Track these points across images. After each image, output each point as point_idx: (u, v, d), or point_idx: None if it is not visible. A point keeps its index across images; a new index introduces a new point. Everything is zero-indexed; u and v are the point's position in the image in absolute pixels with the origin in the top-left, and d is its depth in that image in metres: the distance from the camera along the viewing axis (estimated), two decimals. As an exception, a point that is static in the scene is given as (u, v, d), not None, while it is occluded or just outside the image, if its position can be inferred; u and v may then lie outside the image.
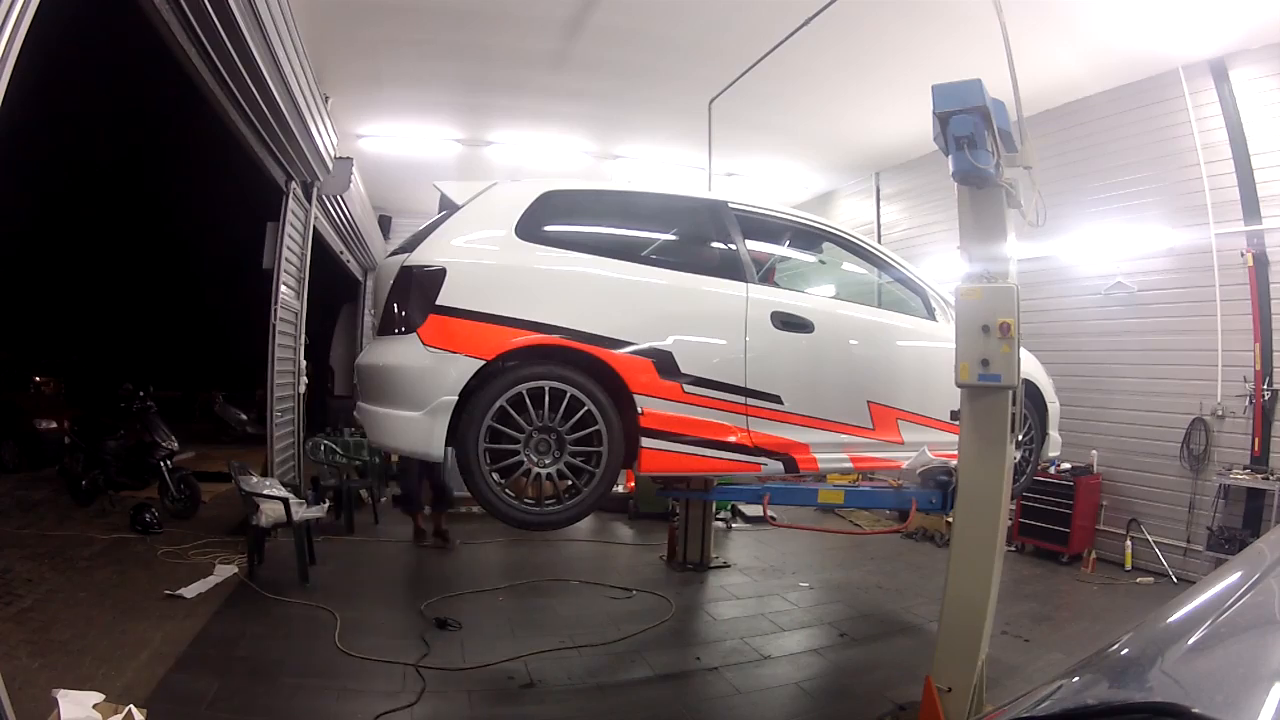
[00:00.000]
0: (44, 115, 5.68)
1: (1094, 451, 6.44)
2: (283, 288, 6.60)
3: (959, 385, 3.02)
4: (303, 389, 7.42)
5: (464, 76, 6.82)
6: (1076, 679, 0.94)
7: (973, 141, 2.78)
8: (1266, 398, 5.46)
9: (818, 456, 3.38)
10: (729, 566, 6.19)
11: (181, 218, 10.70)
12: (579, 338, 2.99)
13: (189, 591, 4.73)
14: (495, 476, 2.99)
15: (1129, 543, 6.16)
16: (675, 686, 3.94)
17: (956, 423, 3.29)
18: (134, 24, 3.68)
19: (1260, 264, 5.52)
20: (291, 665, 3.88)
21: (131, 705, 2.83)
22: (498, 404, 2.91)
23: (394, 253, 3.32)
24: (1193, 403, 5.84)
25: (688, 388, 3.12)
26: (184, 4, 3.59)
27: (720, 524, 7.42)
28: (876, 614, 5.18)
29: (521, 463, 2.97)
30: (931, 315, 3.87)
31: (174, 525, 6.35)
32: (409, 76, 6.83)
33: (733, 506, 7.63)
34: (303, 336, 7.32)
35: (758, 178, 9.32)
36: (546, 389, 2.94)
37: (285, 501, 5.30)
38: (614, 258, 3.24)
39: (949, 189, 3.18)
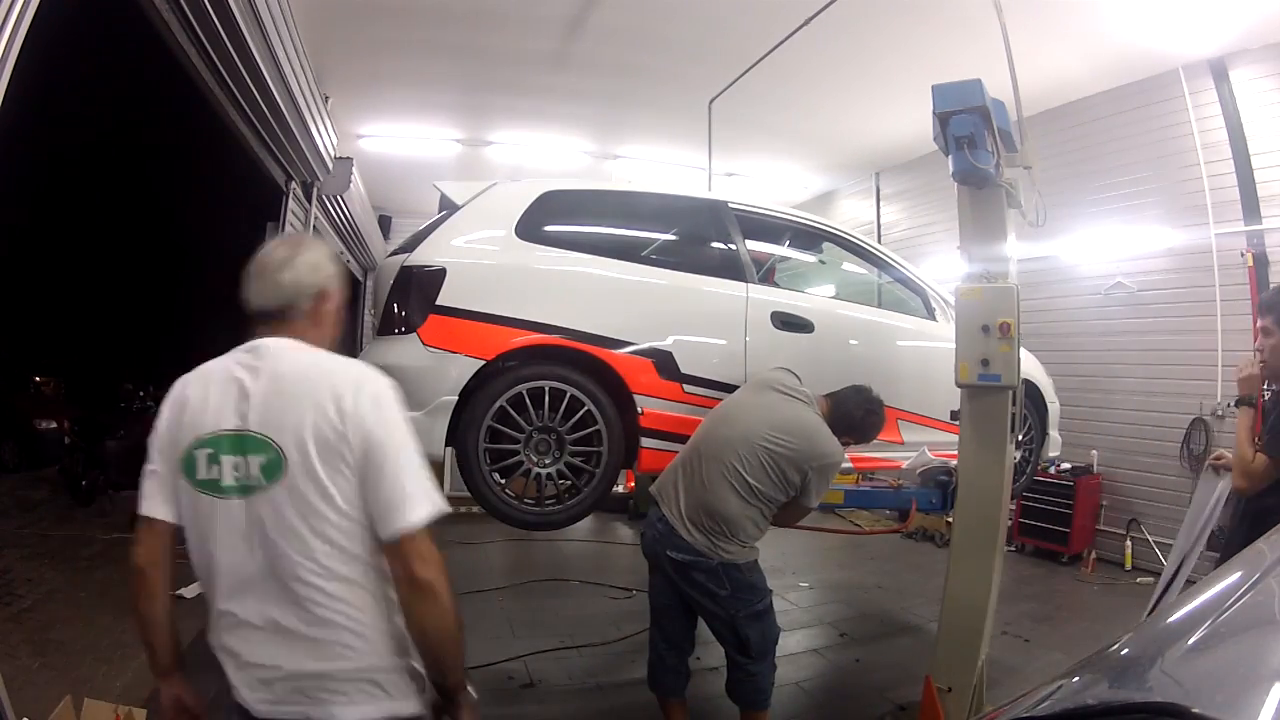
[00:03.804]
0: (44, 115, 5.68)
1: (1094, 451, 6.44)
2: (283, 288, 6.59)
3: (959, 385, 3.02)
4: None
5: (464, 76, 6.82)
6: (1076, 679, 0.94)
7: (973, 141, 2.79)
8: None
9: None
10: (729, 566, 6.19)
11: (181, 217, 10.70)
12: (579, 338, 2.99)
13: (189, 591, 4.67)
14: (495, 476, 2.99)
15: (1129, 543, 6.16)
16: (675, 686, 3.94)
17: (956, 423, 3.29)
18: (134, 24, 3.68)
19: (1260, 264, 5.51)
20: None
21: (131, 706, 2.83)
22: (498, 404, 2.91)
23: (394, 253, 3.32)
24: (1193, 403, 5.84)
25: (688, 388, 3.12)
26: (184, 4, 3.59)
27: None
28: (876, 614, 5.18)
29: (521, 463, 2.98)
30: (931, 315, 3.87)
31: (174, 525, 6.35)
32: (409, 76, 6.83)
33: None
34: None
35: (758, 178, 9.32)
36: (546, 389, 2.94)
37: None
38: (614, 258, 3.24)
39: (949, 189, 3.18)
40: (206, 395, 1.45)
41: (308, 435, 1.39)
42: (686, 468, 2.81)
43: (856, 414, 2.96)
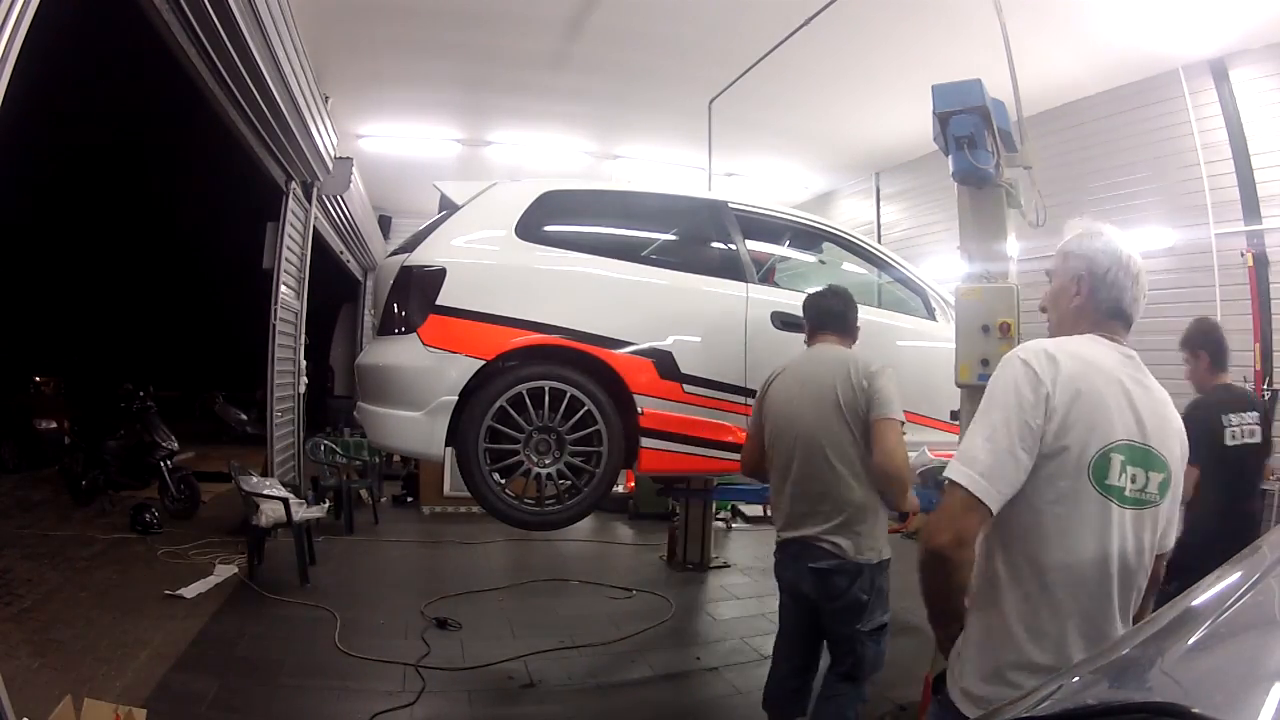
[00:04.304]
0: (44, 115, 5.68)
1: (1094, 451, 6.44)
2: (283, 288, 6.60)
3: (959, 385, 3.02)
4: (303, 389, 7.42)
5: (464, 76, 6.82)
6: (1076, 679, 0.94)
7: (973, 141, 2.79)
8: (1266, 398, 5.45)
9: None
10: (729, 566, 6.19)
11: (181, 218, 10.71)
12: (579, 338, 2.99)
13: (189, 591, 4.72)
14: (495, 476, 3.00)
15: (1129, 543, 6.15)
16: (675, 686, 3.94)
17: (956, 423, 3.28)
18: (134, 24, 3.68)
19: (1260, 264, 5.51)
20: (291, 665, 3.88)
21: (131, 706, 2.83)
22: (498, 404, 2.91)
23: (394, 253, 3.32)
24: (1193, 403, 5.83)
25: (688, 388, 3.12)
26: (184, 4, 3.59)
27: (720, 524, 7.42)
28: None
29: (521, 463, 2.98)
30: (931, 315, 3.87)
31: (174, 525, 6.35)
32: (409, 76, 6.83)
33: (733, 506, 7.62)
34: (303, 336, 7.32)
35: (758, 178, 9.32)
36: (546, 389, 2.94)
37: (285, 501, 5.30)
38: (614, 258, 3.25)
39: (949, 189, 3.18)
40: (1106, 398, 1.45)
41: (1182, 456, 1.50)
42: (793, 487, 2.61)
43: (834, 310, 2.83)
